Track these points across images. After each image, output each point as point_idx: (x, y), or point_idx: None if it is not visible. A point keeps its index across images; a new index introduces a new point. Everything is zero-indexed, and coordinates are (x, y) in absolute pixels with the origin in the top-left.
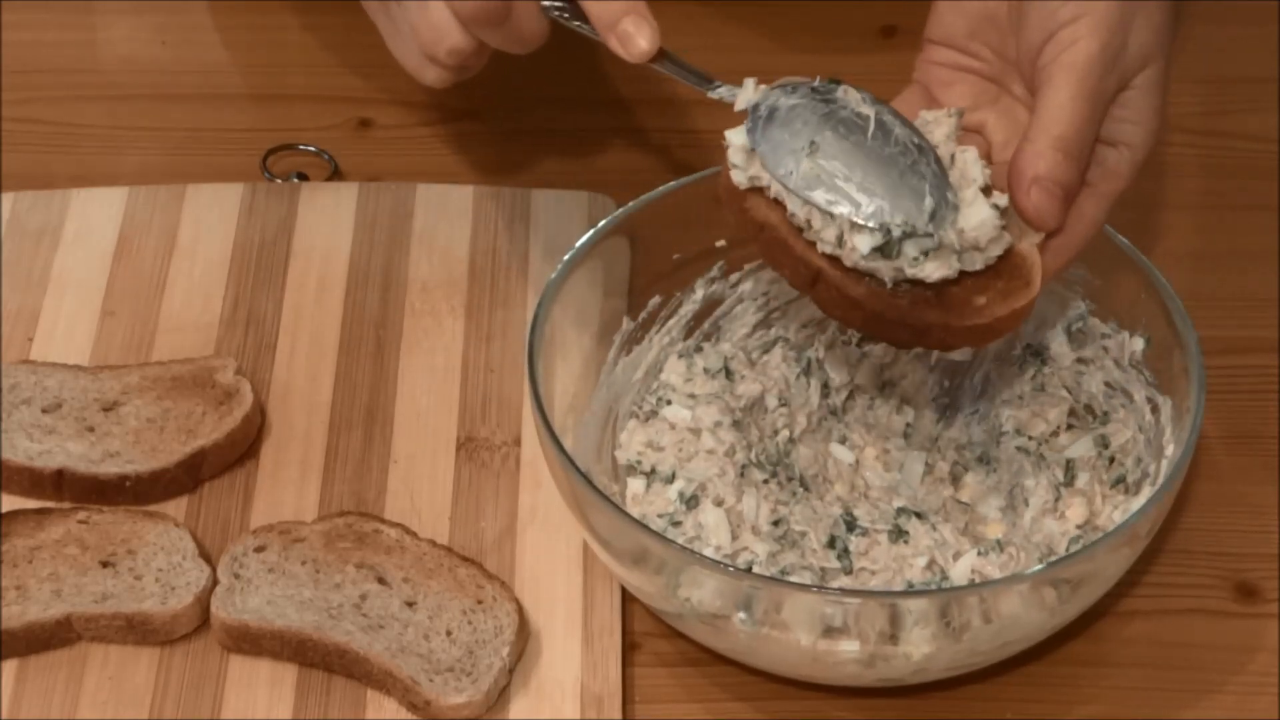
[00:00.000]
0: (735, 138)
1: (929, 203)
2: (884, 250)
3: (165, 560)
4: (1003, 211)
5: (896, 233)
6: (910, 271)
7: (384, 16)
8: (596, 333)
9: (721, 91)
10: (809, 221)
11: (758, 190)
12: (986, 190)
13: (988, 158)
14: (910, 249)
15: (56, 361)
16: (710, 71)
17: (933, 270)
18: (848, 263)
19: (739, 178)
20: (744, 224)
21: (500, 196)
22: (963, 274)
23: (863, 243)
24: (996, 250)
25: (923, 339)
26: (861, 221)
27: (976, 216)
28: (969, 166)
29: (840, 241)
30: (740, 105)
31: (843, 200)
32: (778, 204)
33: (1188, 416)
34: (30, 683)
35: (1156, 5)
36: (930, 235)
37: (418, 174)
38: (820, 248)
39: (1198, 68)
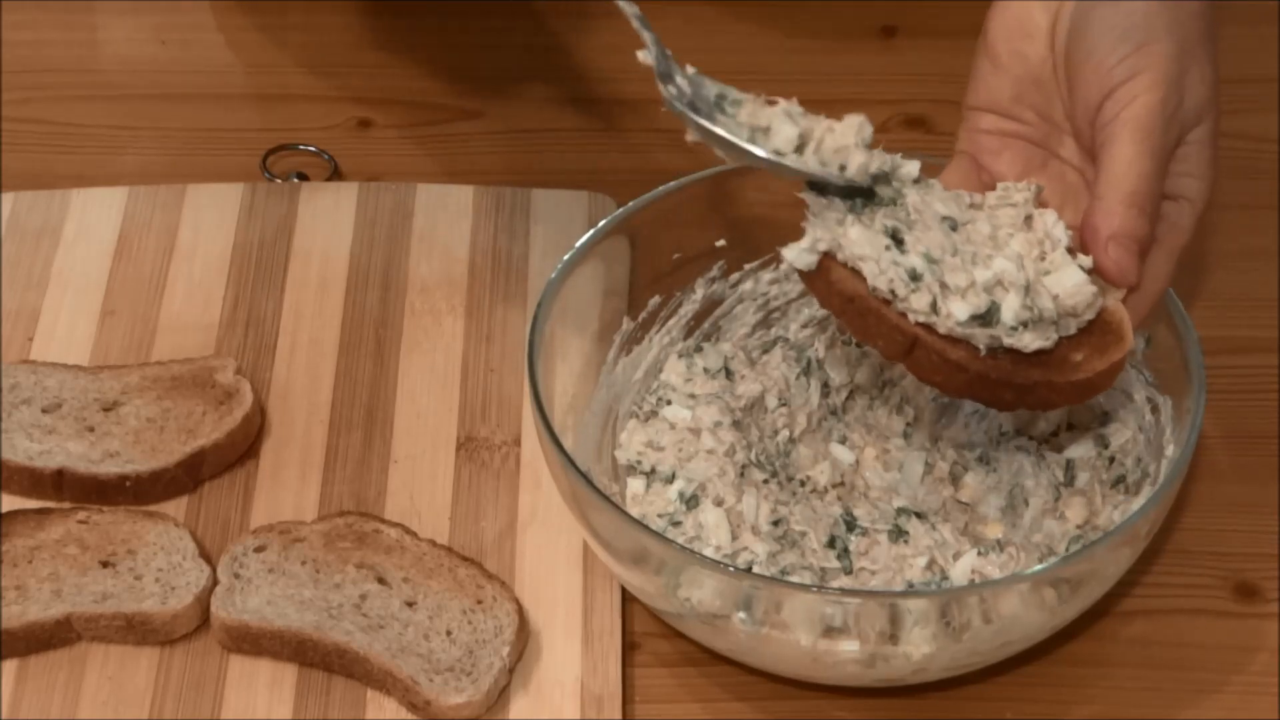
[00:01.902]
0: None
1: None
2: (983, 318)
3: (165, 560)
4: (1089, 272)
5: (993, 303)
6: (1008, 341)
7: None
8: (596, 333)
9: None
10: (893, 291)
11: (833, 260)
12: (1071, 252)
13: None
14: (1009, 318)
15: (56, 361)
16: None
17: (1030, 341)
18: (942, 329)
19: (807, 260)
20: (830, 298)
21: (500, 196)
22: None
23: (959, 310)
24: (1090, 315)
25: (1026, 398)
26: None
27: (1070, 280)
28: (1051, 228)
29: (934, 308)
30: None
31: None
32: (857, 274)
33: (1188, 416)
34: (30, 683)
35: (1208, 60)
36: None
37: (418, 174)
38: (912, 317)
39: None
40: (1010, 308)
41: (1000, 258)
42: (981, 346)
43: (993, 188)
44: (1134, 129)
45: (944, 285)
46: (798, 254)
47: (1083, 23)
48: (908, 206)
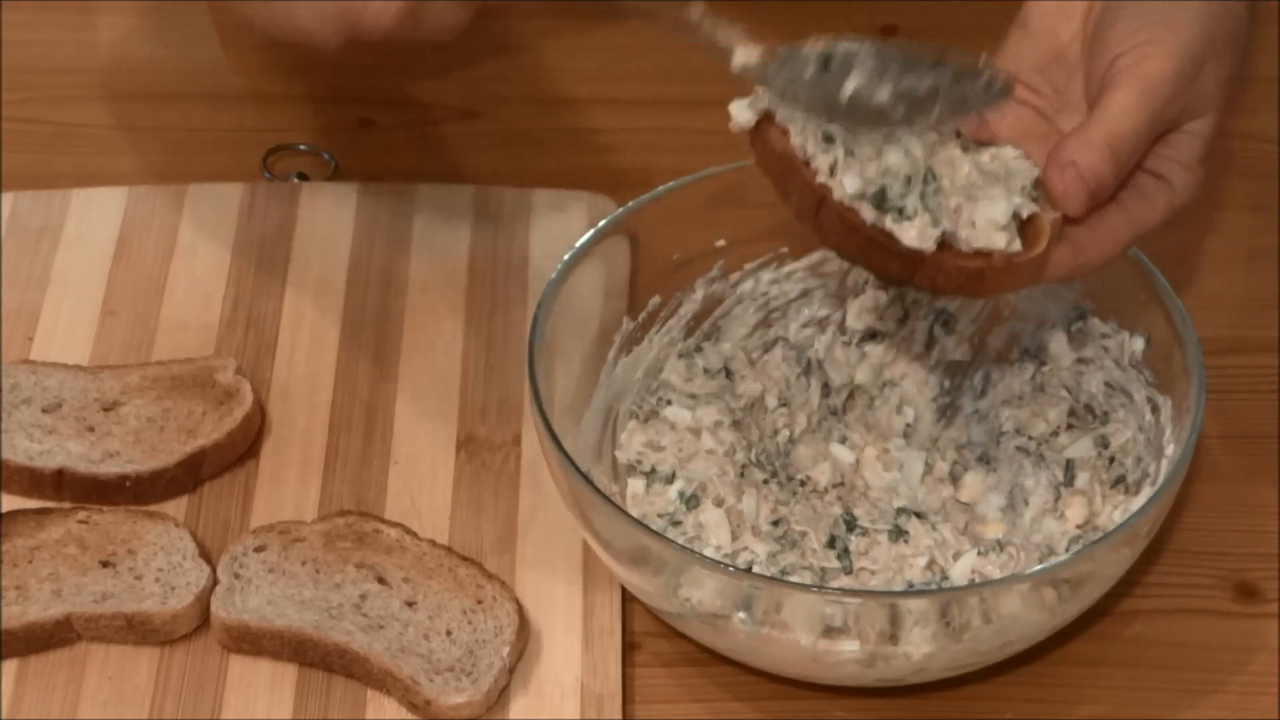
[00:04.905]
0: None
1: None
2: (869, 196)
3: (165, 560)
4: (1023, 226)
5: (874, 187)
6: (888, 225)
7: None
8: (596, 333)
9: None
10: (805, 148)
11: (771, 122)
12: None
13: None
14: (894, 204)
15: (56, 361)
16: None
17: (909, 234)
18: (836, 195)
19: (746, 115)
20: (764, 155)
21: (500, 196)
22: None
23: (850, 181)
24: (996, 248)
25: (913, 273)
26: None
27: (992, 211)
28: (1023, 172)
29: (832, 171)
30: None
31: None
32: (788, 135)
33: (1188, 416)
34: (30, 683)
35: (1229, 62)
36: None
37: (418, 174)
38: (819, 177)
39: None
40: (896, 194)
41: (900, 148)
42: (867, 220)
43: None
44: (1140, 83)
45: (849, 153)
46: (740, 109)
47: (1115, 6)
48: None
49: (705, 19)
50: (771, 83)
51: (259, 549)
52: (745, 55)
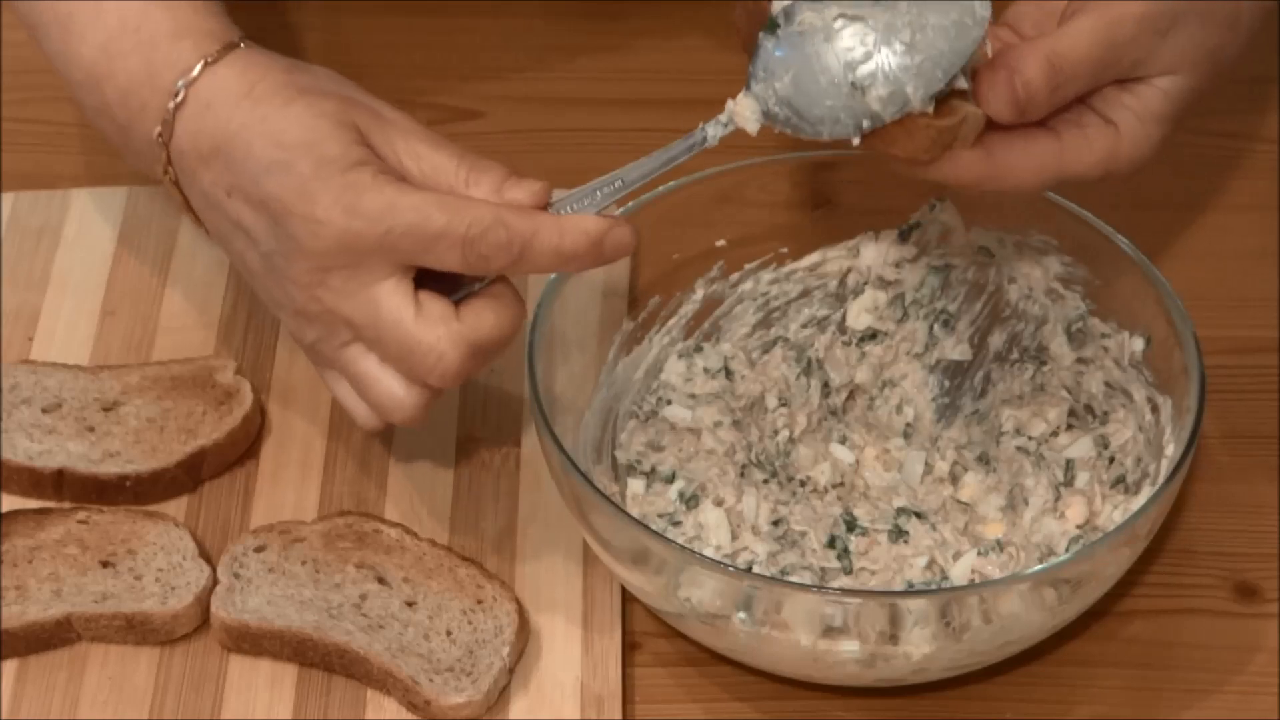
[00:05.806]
0: None
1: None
2: None
3: (165, 560)
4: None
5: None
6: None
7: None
8: (596, 333)
9: (709, 129)
10: None
11: None
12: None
13: None
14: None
15: (56, 361)
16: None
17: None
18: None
19: None
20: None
21: None
22: None
23: None
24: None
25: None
26: None
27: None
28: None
29: None
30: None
31: None
32: None
33: (1188, 416)
34: (30, 683)
35: (1215, 30)
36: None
37: None
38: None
39: None
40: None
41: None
42: None
43: None
44: (1102, 14)
45: None
46: None
47: None
48: None
49: (710, 125)
50: (764, 95)
51: (259, 549)
52: (735, 106)
